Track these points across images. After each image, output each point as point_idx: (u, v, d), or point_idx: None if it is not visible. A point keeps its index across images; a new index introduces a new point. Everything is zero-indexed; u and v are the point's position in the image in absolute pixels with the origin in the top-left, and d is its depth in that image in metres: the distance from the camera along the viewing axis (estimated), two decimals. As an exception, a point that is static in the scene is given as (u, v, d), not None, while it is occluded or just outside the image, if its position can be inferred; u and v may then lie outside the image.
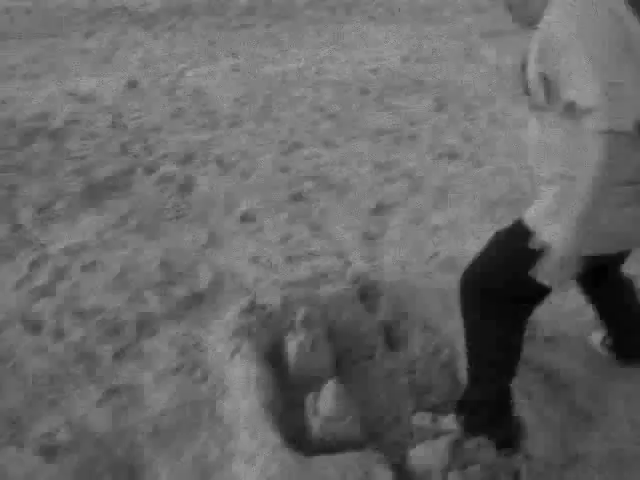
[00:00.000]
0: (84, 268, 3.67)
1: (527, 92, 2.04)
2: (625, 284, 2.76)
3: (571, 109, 1.86)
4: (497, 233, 2.34)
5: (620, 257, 2.38)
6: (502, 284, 2.24)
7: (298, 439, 2.46)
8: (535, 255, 2.01)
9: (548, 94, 1.94)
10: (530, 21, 2.03)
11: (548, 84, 1.92)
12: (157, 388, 2.78)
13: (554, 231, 1.95)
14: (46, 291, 3.45)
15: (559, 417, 2.62)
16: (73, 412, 2.67)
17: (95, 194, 4.57)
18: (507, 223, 4.08)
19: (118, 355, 2.99)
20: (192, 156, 5.25)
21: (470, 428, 2.41)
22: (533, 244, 2.05)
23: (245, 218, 4.26)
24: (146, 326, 3.18)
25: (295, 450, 2.31)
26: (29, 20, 10.11)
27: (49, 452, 2.46)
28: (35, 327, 3.18)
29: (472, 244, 3.84)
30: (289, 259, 3.77)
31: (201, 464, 2.40)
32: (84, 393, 2.77)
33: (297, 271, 3.63)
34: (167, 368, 2.89)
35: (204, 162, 5.14)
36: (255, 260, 3.78)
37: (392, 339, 3.03)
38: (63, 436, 2.54)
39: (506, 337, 2.36)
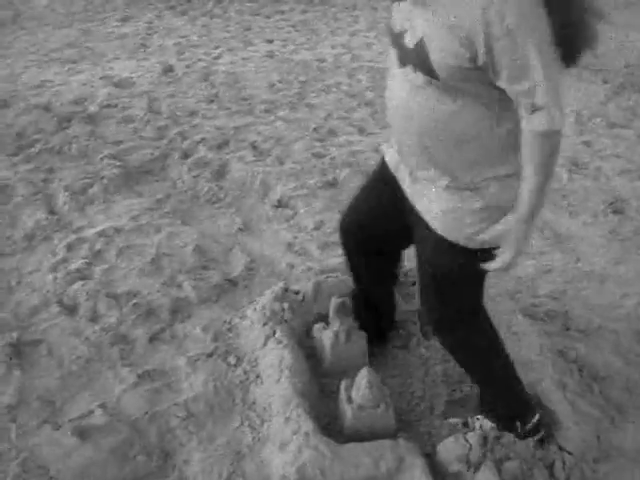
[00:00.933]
0: (119, 252, 3.69)
1: (423, 69, 1.93)
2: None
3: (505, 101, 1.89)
4: (423, 265, 2.34)
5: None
6: (462, 301, 2.31)
7: (331, 426, 2.46)
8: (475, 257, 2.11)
9: (467, 79, 1.89)
10: None
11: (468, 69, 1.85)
12: (191, 372, 2.79)
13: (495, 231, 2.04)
14: (82, 274, 3.47)
15: (594, 410, 2.60)
16: (108, 394, 2.69)
17: (131, 178, 4.59)
18: (543, 212, 4.05)
19: (152, 339, 3.01)
20: (227, 141, 5.25)
21: (506, 427, 2.39)
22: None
23: (279, 204, 4.26)
24: (180, 310, 3.20)
25: (328, 437, 2.31)
26: (66, 5, 10.17)
27: (84, 433, 2.48)
28: (71, 309, 3.20)
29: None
30: (323, 246, 3.77)
31: (233, 449, 2.42)
32: (118, 376, 2.79)
33: (331, 258, 3.62)
34: (201, 353, 2.90)
35: (239, 147, 5.14)
36: (289, 246, 3.78)
37: (427, 327, 3.01)
38: (98, 418, 2.56)
39: (493, 341, 2.39)
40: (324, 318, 2.91)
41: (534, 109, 1.82)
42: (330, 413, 2.54)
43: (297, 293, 3.06)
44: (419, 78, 1.95)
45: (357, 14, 10.11)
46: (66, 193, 4.31)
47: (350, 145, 5.18)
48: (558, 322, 3.10)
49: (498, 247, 2.05)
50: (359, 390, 2.41)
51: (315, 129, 5.52)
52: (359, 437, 2.35)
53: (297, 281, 3.37)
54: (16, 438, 2.47)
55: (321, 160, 4.89)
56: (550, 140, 1.86)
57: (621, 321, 3.14)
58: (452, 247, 2.13)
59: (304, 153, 5.02)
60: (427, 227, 2.17)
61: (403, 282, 3.19)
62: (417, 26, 1.91)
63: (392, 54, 2.07)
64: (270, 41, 8.46)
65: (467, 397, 2.65)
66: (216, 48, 8.05)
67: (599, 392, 2.69)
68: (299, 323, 2.94)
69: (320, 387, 2.67)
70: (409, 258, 3.56)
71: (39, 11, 9.82)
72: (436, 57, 1.86)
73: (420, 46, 1.89)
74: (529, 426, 2.36)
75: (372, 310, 2.84)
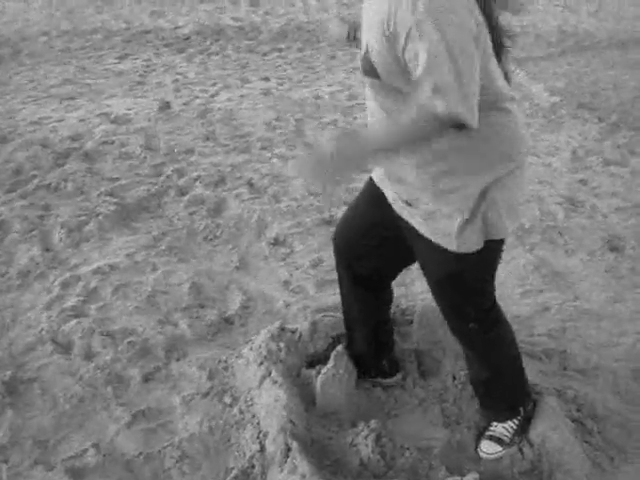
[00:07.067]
0: (114, 290, 3.67)
1: (370, 73, 2.02)
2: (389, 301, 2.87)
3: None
4: (439, 282, 2.37)
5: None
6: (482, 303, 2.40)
7: (330, 466, 2.43)
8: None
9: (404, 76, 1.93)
10: None
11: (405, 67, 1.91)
12: (186, 412, 2.77)
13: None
14: (76, 312, 3.46)
15: (592, 450, 2.57)
16: (101, 434, 2.66)
17: (127, 215, 4.59)
18: (540, 250, 4.05)
19: (147, 378, 2.99)
20: (224, 179, 5.25)
21: (510, 416, 2.55)
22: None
23: (276, 242, 4.25)
24: (175, 349, 3.18)
25: (326, 478, 2.28)
26: (65, 42, 10.24)
27: (77, 473, 2.46)
28: (65, 348, 3.18)
29: (504, 271, 3.81)
30: (319, 284, 3.75)
31: (229, 490, 2.39)
32: (113, 415, 2.76)
33: (327, 297, 3.60)
34: (196, 392, 2.88)
35: (235, 185, 5.14)
36: (285, 285, 3.77)
37: (424, 367, 3.00)
38: (91, 458, 2.53)
39: (510, 332, 2.53)
40: (320, 358, 2.89)
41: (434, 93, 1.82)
42: (327, 453, 2.51)
43: (293, 332, 3.05)
44: (372, 83, 2.05)
45: (354, 52, 10.19)
46: (62, 230, 4.31)
47: (347, 183, 5.18)
48: (555, 361, 3.08)
49: (487, 248, 2.15)
50: (367, 445, 2.49)
51: (312, 167, 5.52)
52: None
53: (293, 320, 3.35)
54: (8, 479, 2.44)
55: (317, 198, 4.89)
56: (436, 122, 1.86)
57: (619, 360, 3.12)
58: (444, 253, 2.18)
59: (300, 191, 5.02)
60: (418, 235, 2.22)
61: (400, 321, 3.18)
62: (363, 37, 2.02)
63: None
64: (267, 79, 8.51)
65: (465, 440, 2.62)
66: (213, 85, 8.09)
67: (597, 432, 2.67)
68: (295, 362, 2.92)
69: (316, 427, 2.64)
70: (406, 295, 3.56)
71: (38, 48, 9.89)
72: (375, 58, 1.95)
73: (366, 53, 1.98)
74: (529, 409, 2.56)
75: (368, 350, 2.84)
